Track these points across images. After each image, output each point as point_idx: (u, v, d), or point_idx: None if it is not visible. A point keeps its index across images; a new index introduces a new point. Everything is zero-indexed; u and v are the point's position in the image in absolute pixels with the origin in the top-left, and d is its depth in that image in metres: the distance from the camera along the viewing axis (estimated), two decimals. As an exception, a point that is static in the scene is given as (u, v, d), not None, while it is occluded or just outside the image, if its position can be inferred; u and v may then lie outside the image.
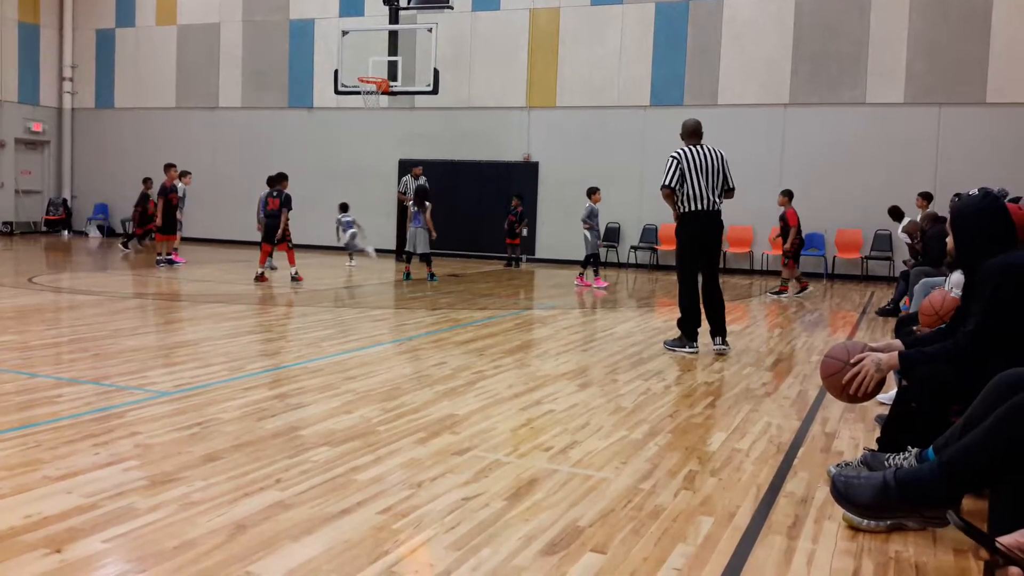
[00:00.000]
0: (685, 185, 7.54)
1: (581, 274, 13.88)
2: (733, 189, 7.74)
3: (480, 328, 8.68)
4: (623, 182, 18.06)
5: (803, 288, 13.43)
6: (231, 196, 21.65)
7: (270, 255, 12.86)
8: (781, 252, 13.60)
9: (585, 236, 13.54)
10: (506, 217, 17.43)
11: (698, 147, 7.62)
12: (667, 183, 7.60)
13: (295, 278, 12.41)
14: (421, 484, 3.68)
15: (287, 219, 12.79)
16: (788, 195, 13.38)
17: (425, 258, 13.55)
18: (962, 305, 3.93)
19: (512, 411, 5.13)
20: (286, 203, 12.73)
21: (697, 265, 7.70)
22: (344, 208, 15.96)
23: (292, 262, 12.75)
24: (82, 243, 20.71)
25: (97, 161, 23.50)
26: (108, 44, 23.13)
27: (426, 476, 3.80)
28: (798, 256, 13.46)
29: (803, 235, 13.59)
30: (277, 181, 12.90)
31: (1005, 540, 1.42)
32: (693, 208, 7.56)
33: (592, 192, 13.72)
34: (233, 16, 21.53)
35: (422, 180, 16.19)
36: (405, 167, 19.57)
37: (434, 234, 13.66)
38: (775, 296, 13.10)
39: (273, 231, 12.67)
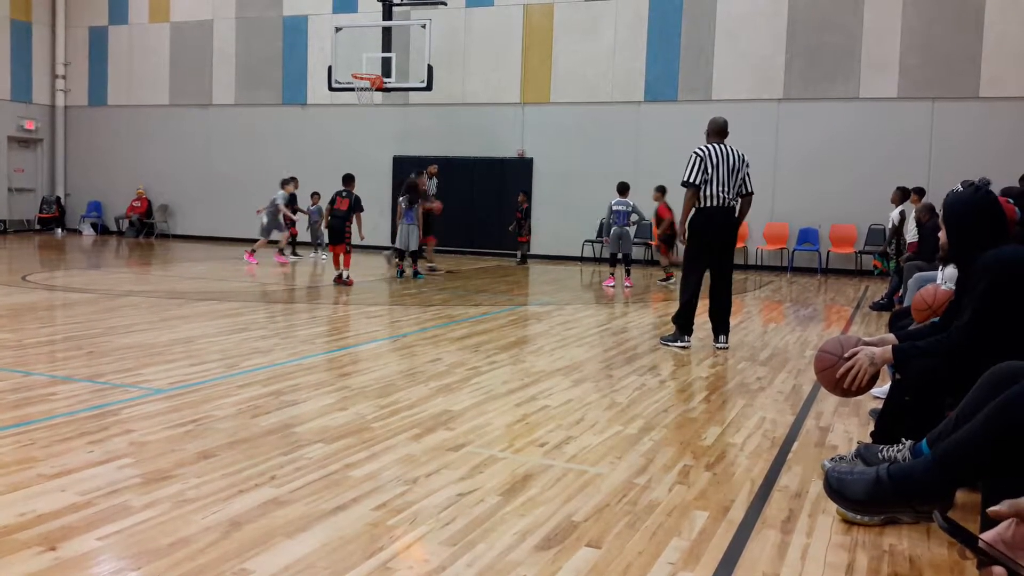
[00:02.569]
0: (705, 182, 7.53)
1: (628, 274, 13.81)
2: (751, 194, 7.72)
3: (475, 324, 8.68)
4: (617, 178, 17.94)
5: (668, 278, 13.85)
6: (225, 193, 21.63)
7: (342, 255, 12.44)
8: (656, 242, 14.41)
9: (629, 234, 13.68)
10: (514, 215, 17.31)
11: (720, 145, 7.60)
12: (690, 179, 7.48)
13: (346, 281, 12.05)
14: (416, 480, 3.69)
15: (360, 221, 12.68)
16: (662, 191, 14.13)
17: (413, 254, 13.48)
18: (955, 299, 3.94)
19: (507, 407, 5.13)
20: (356, 205, 12.52)
21: (705, 262, 7.69)
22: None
23: (347, 264, 12.33)
24: (76, 241, 20.66)
25: (90, 159, 23.44)
26: (101, 41, 23.06)
27: (421, 472, 3.80)
28: (672, 242, 13.94)
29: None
30: (347, 182, 12.69)
31: (987, 536, 1.42)
32: (708, 205, 7.54)
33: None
34: (226, 13, 21.48)
35: (433, 180, 16.18)
36: (399, 163, 19.57)
37: (420, 233, 13.50)
38: (663, 283, 13.70)
39: (340, 232, 12.37)
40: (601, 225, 17.59)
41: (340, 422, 4.61)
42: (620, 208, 13.44)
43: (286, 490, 3.49)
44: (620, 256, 13.46)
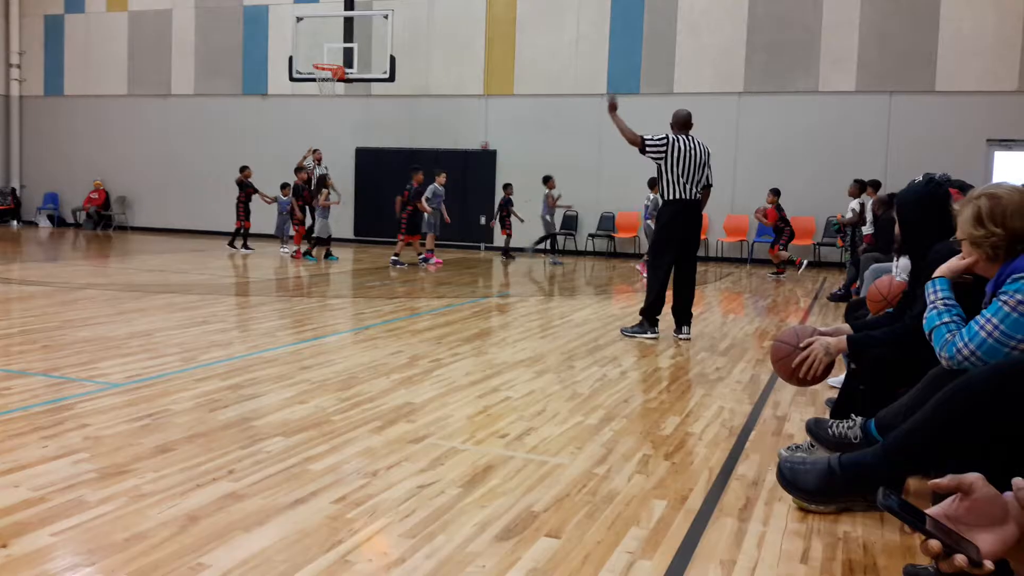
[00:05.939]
0: (667, 172, 7.60)
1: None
2: (711, 186, 7.84)
3: (437, 316, 8.67)
4: (580, 170, 18.10)
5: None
6: (184, 185, 21.39)
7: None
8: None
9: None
10: (499, 207, 17.26)
11: (687, 138, 7.69)
12: (648, 137, 7.60)
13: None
14: (376, 473, 3.68)
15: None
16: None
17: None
18: (909, 290, 4.01)
19: (469, 399, 5.14)
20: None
21: (672, 253, 7.77)
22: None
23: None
24: (32, 233, 20.30)
25: (46, 150, 23.04)
26: (57, 30, 22.65)
27: (381, 465, 3.79)
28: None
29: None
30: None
31: (932, 511, 1.45)
32: (674, 196, 7.62)
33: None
34: (186, 2, 21.19)
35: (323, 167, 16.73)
36: (362, 155, 19.48)
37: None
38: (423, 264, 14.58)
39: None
40: (564, 217, 17.72)
41: (300, 415, 4.59)
42: (646, 203, 13.83)
43: (244, 484, 3.47)
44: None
